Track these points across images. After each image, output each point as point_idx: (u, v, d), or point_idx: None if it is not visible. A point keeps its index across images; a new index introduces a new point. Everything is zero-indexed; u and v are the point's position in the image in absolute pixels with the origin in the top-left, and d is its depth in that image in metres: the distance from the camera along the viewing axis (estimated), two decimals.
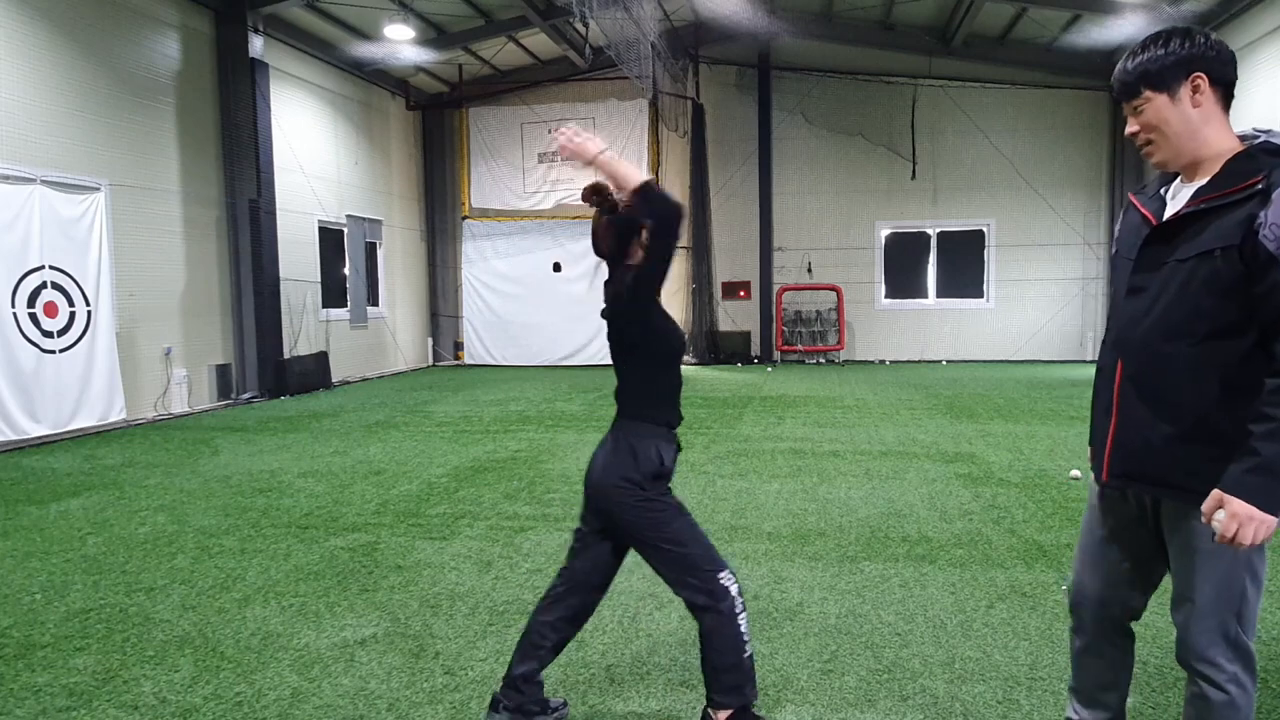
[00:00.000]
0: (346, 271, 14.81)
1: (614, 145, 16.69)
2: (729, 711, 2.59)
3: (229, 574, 4.48)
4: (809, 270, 17.08)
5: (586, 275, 16.70)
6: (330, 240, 14.24)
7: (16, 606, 4.06)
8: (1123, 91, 2.05)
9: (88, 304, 9.25)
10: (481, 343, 17.28)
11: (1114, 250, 2.24)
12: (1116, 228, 2.29)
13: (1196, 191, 1.99)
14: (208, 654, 3.48)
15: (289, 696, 3.11)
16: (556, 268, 16.87)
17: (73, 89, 9.31)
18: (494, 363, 17.10)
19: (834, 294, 16.72)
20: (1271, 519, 1.83)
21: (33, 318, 8.65)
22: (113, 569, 4.58)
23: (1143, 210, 2.14)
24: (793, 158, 16.99)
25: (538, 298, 16.84)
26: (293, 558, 4.74)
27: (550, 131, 16.84)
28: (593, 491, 2.69)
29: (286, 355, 12.41)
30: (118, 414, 9.56)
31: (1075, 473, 6.49)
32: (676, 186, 17.22)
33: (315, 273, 13.63)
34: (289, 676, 3.28)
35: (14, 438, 8.33)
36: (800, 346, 16.82)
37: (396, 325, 16.55)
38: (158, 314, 10.57)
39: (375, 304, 15.82)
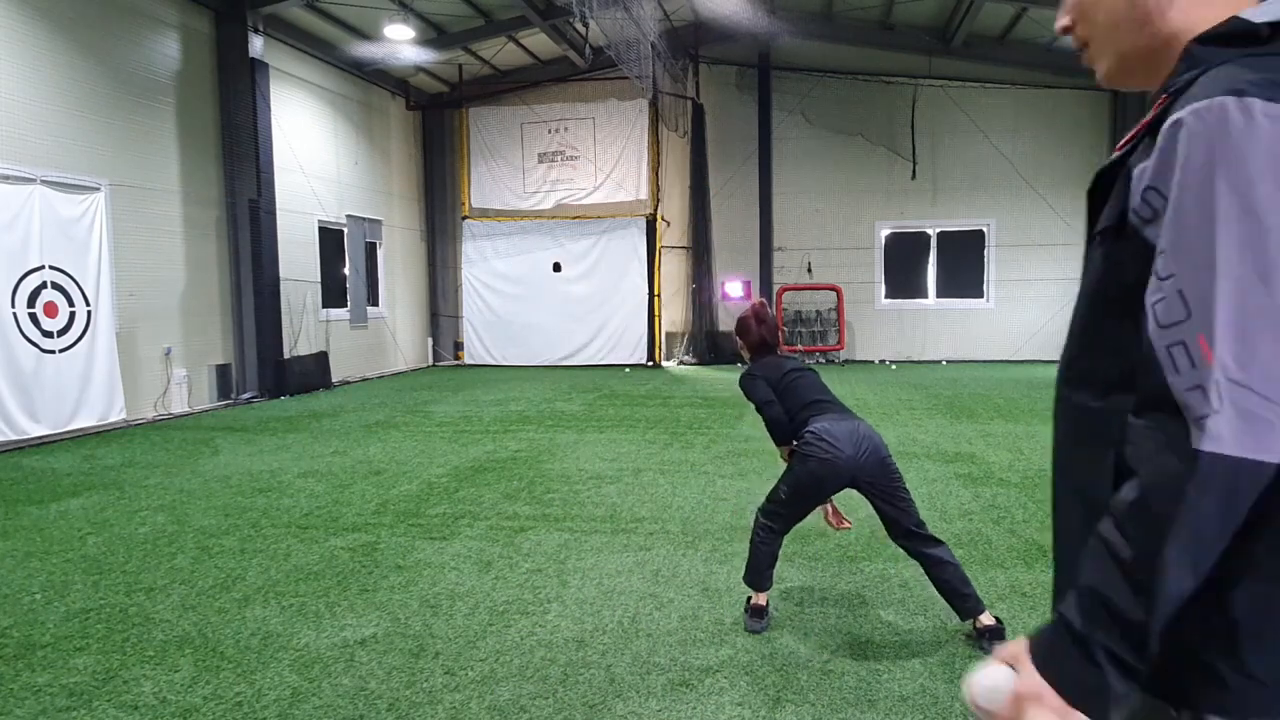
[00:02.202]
0: (346, 271, 14.81)
1: (614, 145, 16.71)
2: (985, 612, 3.48)
3: (229, 574, 4.48)
4: (809, 270, 17.08)
5: (586, 275, 16.71)
6: (330, 240, 14.24)
7: (16, 606, 4.06)
8: None
9: (88, 304, 9.25)
10: (481, 343, 17.28)
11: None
12: None
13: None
14: (208, 654, 3.48)
15: (289, 696, 3.11)
16: (556, 268, 16.87)
17: (73, 89, 9.31)
18: (494, 363, 17.09)
19: (834, 294, 16.72)
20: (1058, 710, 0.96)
21: (33, 318, 8.65)
22: (113, 569, 4.58)
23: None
24: (793, 158, 16.99)
25: (538, 298, 16.84)
26: (293, 558, 4.74)
27: (550, 132, 16.88)
28: (875, 457, 3.50)
29: (286, 355, 12.41)
30: (118, 414, 9.56)
31: None
32: (676, 186, 17.24)
33: (315, 273, 13.63)
34: (289, 676, 3.27)
35: (14, 438, 8.33)
36: (800, 346, 16.81)
37: (396, 325, 16.55)
38: (158, 314, 10.57)
39: (375, 304, 15.82)
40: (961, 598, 3.44)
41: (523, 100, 16.90)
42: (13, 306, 8.41)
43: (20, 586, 4.34)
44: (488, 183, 17.20)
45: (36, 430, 8.57)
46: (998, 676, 1.06)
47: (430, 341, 17.89)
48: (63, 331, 8.96)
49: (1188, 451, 0.86)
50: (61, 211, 8.98)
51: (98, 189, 9.45)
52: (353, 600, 4.08)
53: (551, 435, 8.61)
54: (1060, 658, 0.97)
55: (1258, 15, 0.96)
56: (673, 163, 17.00)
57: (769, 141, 16.88)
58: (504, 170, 17.10)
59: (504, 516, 5.56)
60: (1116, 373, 1.05)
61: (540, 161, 16.98)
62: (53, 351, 8.84)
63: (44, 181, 8.78)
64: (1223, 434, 0.85)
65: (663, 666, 3.33)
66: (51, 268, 8.83)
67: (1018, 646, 1.04)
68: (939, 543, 3.52)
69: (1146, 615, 0.89)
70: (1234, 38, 0.97)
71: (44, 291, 8.76)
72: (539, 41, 15.46)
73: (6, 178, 8.41)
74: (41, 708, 3.06)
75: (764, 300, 4.06)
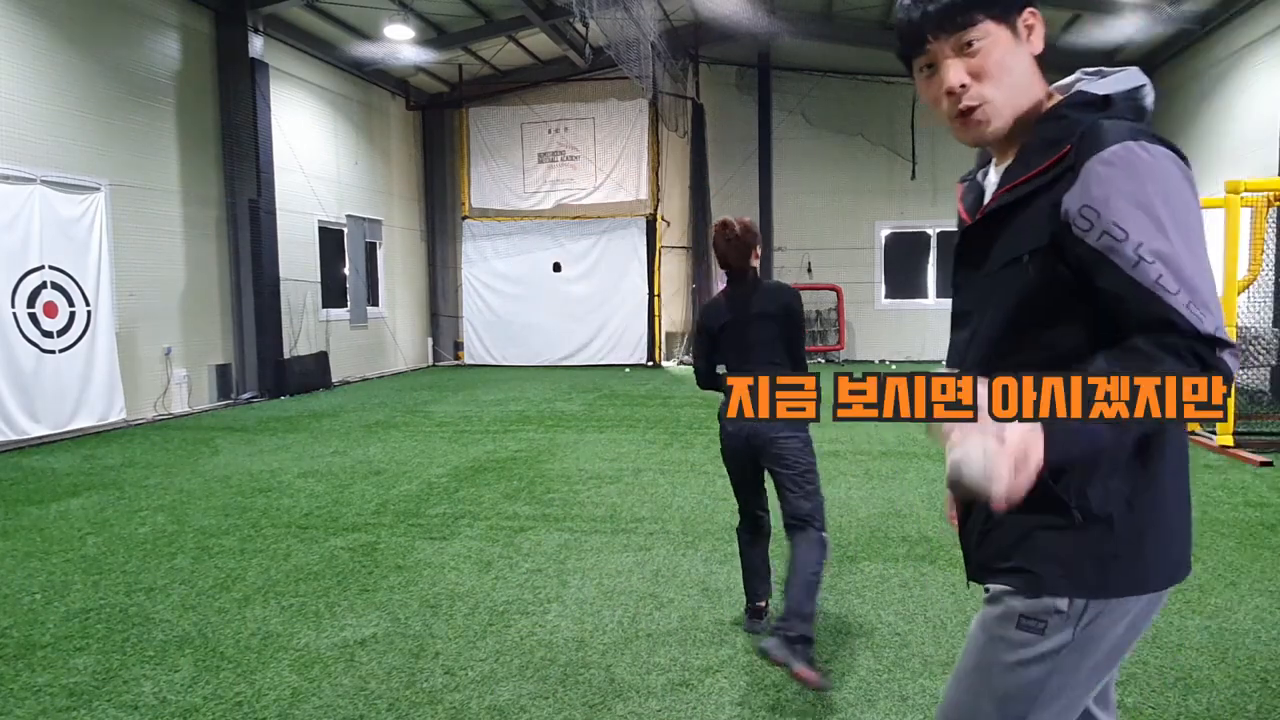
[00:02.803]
0: (346, 271, 14.81)
1: (614, 145, 16.71)
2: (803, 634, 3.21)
3: (229, 574, 4.47)
4: (809, 270, 17.08)
5: (586, 275, 16.71)
6: (330, 240, 14.24)
7: (16, 606, 4.06)
8: (946, 20, 1.37)
9: (87, 304, 9.25)
10: (481, 343, 17.28)
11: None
12: None
13: (1005, 174, 1.44)
14: (208, 654, 3.48)
15: (289, 696, 3.11)
16: (556, 268, 16.86)
17: (73, 89, 9.31)
18: (494, 363, 17.09)
19: (834, 294, 16.72)
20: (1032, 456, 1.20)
21: (33, 318, 8.64)
22: (113, 569, 4.58)
23: (960, 208, 1.58)
24: (793, 158, 16.99)
25: (538, 298, 16.84)
26: (293, 558, 4.74)
27: (550, 132, 16.87)
28: (761, 437, 3.38)
29: (286, 355, 12.41)
30: (118, 414, 9.56)
31: None
32: (676, 186, 17.24)
33: (315, 273, 13.63)
34: (289, 676, 3.27)
35: (14, 438, 8.33)
36: None
37: (396, 325, 16.54)
38: (158, 314, 10.57)
39: (375, 304, 15.82)
40: (796, 604, 3.15)
41: (523, 100, 16.90)
42: (13, 306, 8.41)
43: (20, 586, 4.34)
44: (488, 183, 17.19)
45: (36, 430, 8.57)
46: (975, 453, 1.19)
47: (430, 341, 17.89)
48: (63, 331, 8.96)
49: (1205, 346, 1.22)
50: (61, 211, 8.98)
51: (98, 189, 9.45)
52: (353, 600, 4.08)
53: (551, 435, 8.60)
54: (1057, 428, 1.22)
55: (1098, 89, 1.38)
56: (673, 163, 17.00)
57: (769, 141, 16.88)
58: (504, 170, 17.10)
59: (504, 516, 5.56)
60: (1042, 360, 1.33)
61: (540, 161, 16.98)
62: (53, 351, 8.84)
63: (44, 181, 8.77)
64: (1221, 341, 1.22)
65: (663, 666, 3.33)
66: (51, 268, 8.83)
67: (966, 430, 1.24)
68: (814, 547, 3.29)
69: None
70: (1089, 105, 1.37)
71: (44, 291, 8.76)
72: (539, 41, 15.45)
73: (6, 178, 8.41)
74: (41, 708, 3.06)
75: (750, 221, 3.54)
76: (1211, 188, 11.57)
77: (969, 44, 1.36)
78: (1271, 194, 7.64)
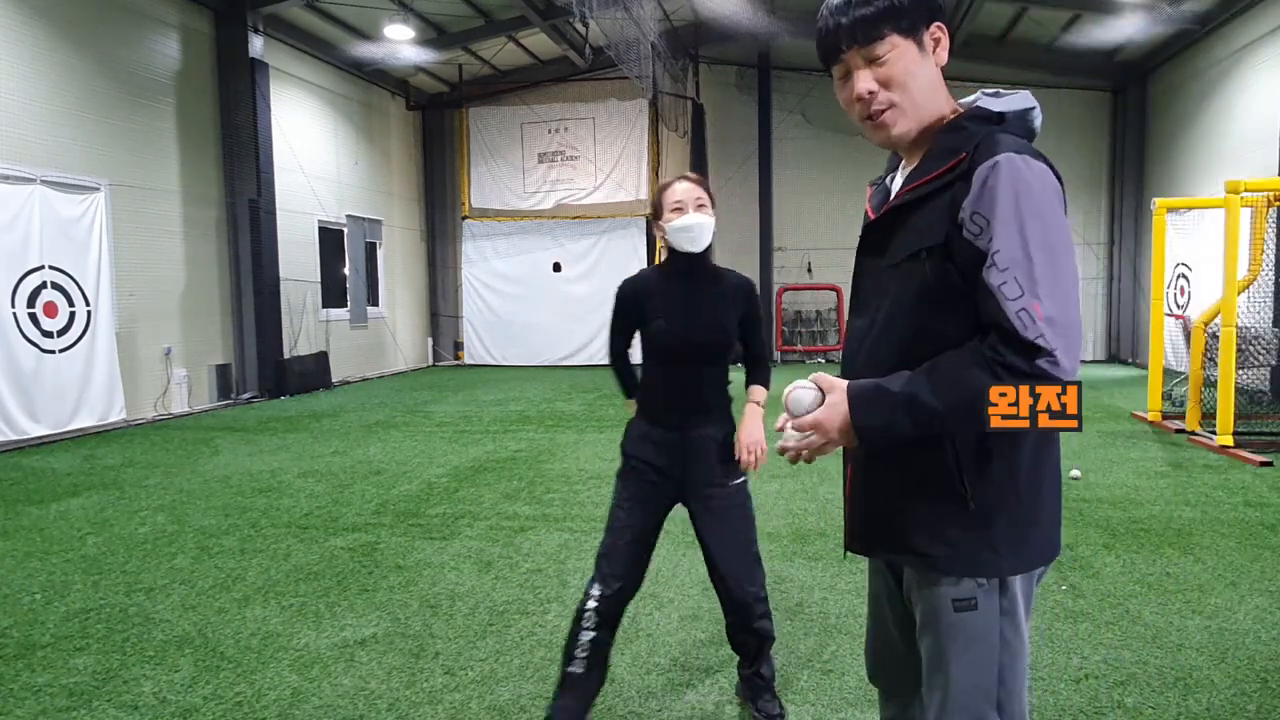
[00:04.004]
0: (346, 271, 14.81)
1: (614, 145, 16.70)
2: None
3: (229, 574, 4.47)
4: (809, 270, 17.07)
5: (586, 275, 16.71)
6: (330, 240, 14.24)
7: (16, 606, 4.06)
8: (857, 33, 1.51)
9: (87, 304, 9.25)
10: (481, 343, 17.27)
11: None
12: None
13: (908, 176, 1.60)
14: (208, 654, 3.48)
15: (289, 696, 3.11)
16: (556, 268, 16.87)
17: (73, 89, 9.31)
18: (494, 363, 17.09)
19: (834, 294, 16.72)
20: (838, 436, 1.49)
21: (32, 318, 8.65)
22: (113, 569, 4.58)
23: (868, 207, 1.74)
24: (793, 158, 16.99)
25: (538, 298, 16.84)
26: (293, 558, 4.74)
27: (550, 132, 16.87)
28: None
29: (286, 355, 12.41)
30: (118, 414, 9.55)
31: (1075, 472, 6.49)
32: None
33: (315, 273, 13.63)
34: (289, 676, 3.27)
35: (14, 438, 8.33)
36: (800, 347, 16.81)
37: (396, 325, 16.54)
38: (158, 314, 10.57)
39: (375, 304, 15.82)
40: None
41: (523, 100, 16.90)
42: (13, 306, 8.41)
43: (20, 586, 4.34)
44: (488, 183, 17.19)
45: (36, 430, 8.57)
46: (809, 396, 1.52)
47: (430, 341, 17.89)
48: (63, 331, 8.96)
49: (1033, 366, 1.38)
50: (61, 211, 8.98)
51: (98, 189, 9.45)
52: (353, 600, 4.08)
53: (551, 435, 8.60)
54: (869, 400, 1.46)
55: (995, 106, 1.55)
56: (673, 163, 16.99)
57: (769, 141, 16.87)
58: (504, 170, 17.10)
59: (504, 516, 5.56)
60: (935, 351, 1.46)
61: (540, 161, 16.98)
62: (53, 351, 8.84)
63: (44, 181, 8.77)
64: (1062, 362, 1.38)
65: (663, 666, 3.33)
66: (51, 268, 8.83)
67: (839, 383, 1.51)
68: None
69: (942, 410, 1.42)
70: (985, 119, 1.53)
71: (44, 291, 8.76)
72: (539, 41, 15.45)
73: (6, 178, 8.41)
74: (41, 708, 3.06)
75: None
76: (1211, 188, 11.58)
77: (877, 55, 1.51)
78: (1271, 194, 7.64)
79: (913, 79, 1.52)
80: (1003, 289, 1.39)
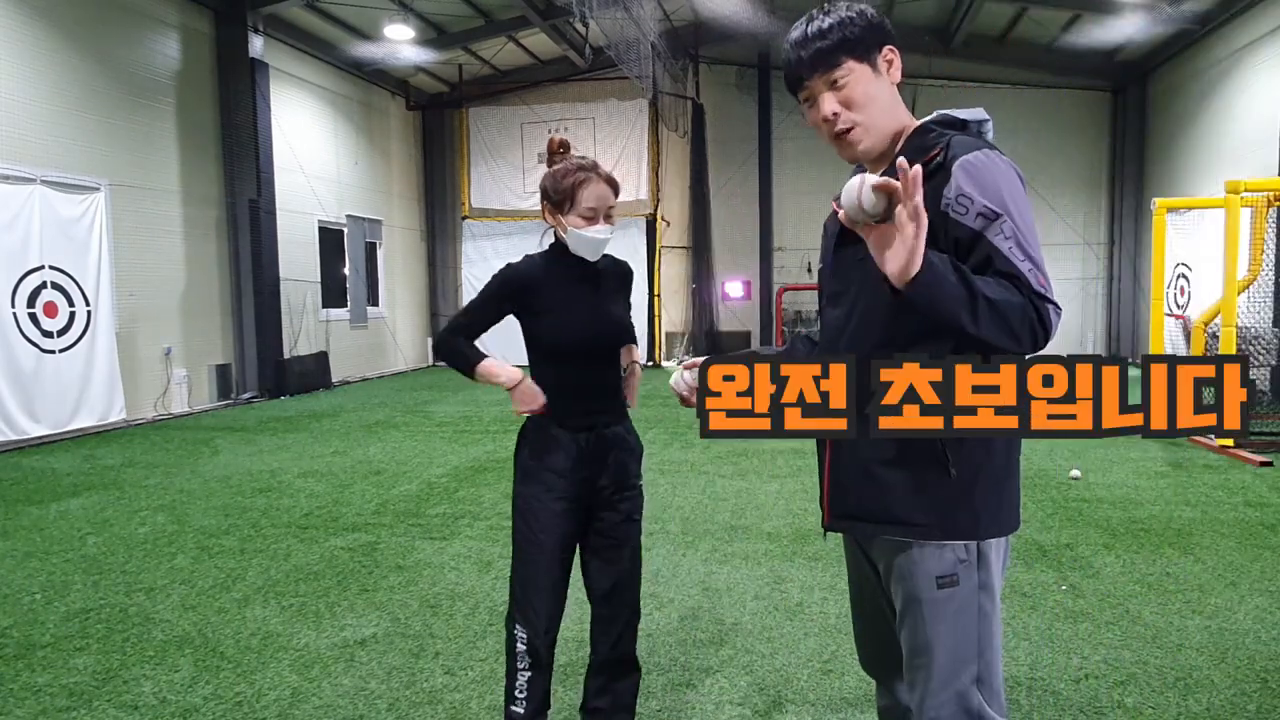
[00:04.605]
0: (346, 271, 14.81)
1: (614, 145, 16.70)
2: None
3: (229, 574, 4.47)
4: (809, 270, 17.07)
5: None
6: (330, 240, 14.24)
7: (16, 606, 4.06)
8: (817, 63, 1.66)
9: (87, 304, 9.25)
10: (481, 343, 17.26)
11: (819, 265, 1.93)
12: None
13: (882, 175, 1.67)
14: (208, 654, 3.48)
15: (289, 696, 3.11)
16: None
17: (73, 89, 9.31)
18: None
19: None
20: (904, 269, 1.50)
21: (32, 318, 8.65)
22: (113, 569, 4.58)
23: (836, 209, 1.79)
24: (793, 158, 16.99)
25: None
26: (293, 558, 4.74)
27: (550, 132, 16.87)
28: None
29: (286, 355, 12.41)
30: (118, 414, 9.56)
31: (1075, 472, 6.49)
32: (676, 186, 17.23)
33: (315, 273, 13.63)
34: (289, 676, 3.27)
35: (14, 438, 8.33)
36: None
37: (396, 325, 16.55)
38: (158, 314, 10.57)
39: (375, 304, 15.82)
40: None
41: (523, 100, 16.90)
42: (13, 306, 8.41)
43: (20, 586, 4.34)
44: (488, 183, 17.20)
45: (36, 430, 8.57)
46: (869, 195, 1.48)
47: (430, 341, 17.89)
48: (63, 331, 8.96)
49: (1039, 305, 1.57)
50: (61, 211, 8.98)
51: (98, 189, 9.45)
52: (353, 600, 4.08)
53: None
54: (940, 258, 1.51)
55: (960, 115, 1.72)
56: (673, 163, 17.00)
57: (769, 141, 16.87)
58: (504, 170, 17.10)
59: (504, 516, 5.56)
60: (917, 328, 1.58)
61: (540, 161, 16.94)
62: (53, 351, 8.84)
63: (44, 181, 8.78)
64: (1055, 322, 1.58)
65: (663, 666, 3.33)
66: (51, 268, 8.83)
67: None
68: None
69: (993, 297, 1.52)
70: (951, 125, 1.70)
71: (44, 291, 8.76)
72: (539, 41, 15.45)
73: (6, 178, 8.41)
74: (41, 708, 3.06)
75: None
76: (1211, 188, 11.58)
77: (836, 80, 1.67)
78: (1271, 194, 7.64)
79: (872, 99, 1.69)
80: (1012, 251, 1.56)
